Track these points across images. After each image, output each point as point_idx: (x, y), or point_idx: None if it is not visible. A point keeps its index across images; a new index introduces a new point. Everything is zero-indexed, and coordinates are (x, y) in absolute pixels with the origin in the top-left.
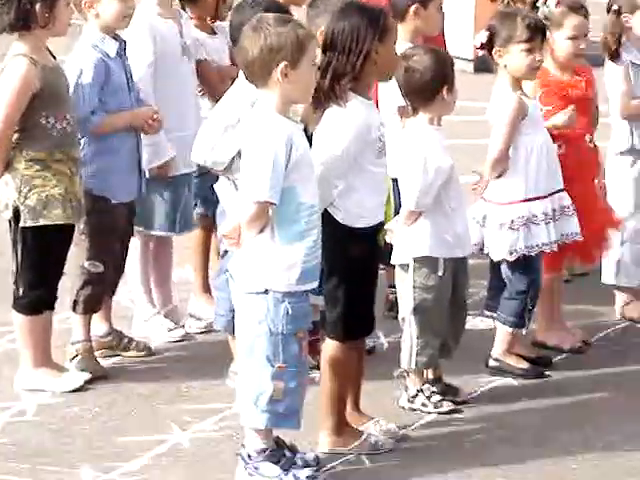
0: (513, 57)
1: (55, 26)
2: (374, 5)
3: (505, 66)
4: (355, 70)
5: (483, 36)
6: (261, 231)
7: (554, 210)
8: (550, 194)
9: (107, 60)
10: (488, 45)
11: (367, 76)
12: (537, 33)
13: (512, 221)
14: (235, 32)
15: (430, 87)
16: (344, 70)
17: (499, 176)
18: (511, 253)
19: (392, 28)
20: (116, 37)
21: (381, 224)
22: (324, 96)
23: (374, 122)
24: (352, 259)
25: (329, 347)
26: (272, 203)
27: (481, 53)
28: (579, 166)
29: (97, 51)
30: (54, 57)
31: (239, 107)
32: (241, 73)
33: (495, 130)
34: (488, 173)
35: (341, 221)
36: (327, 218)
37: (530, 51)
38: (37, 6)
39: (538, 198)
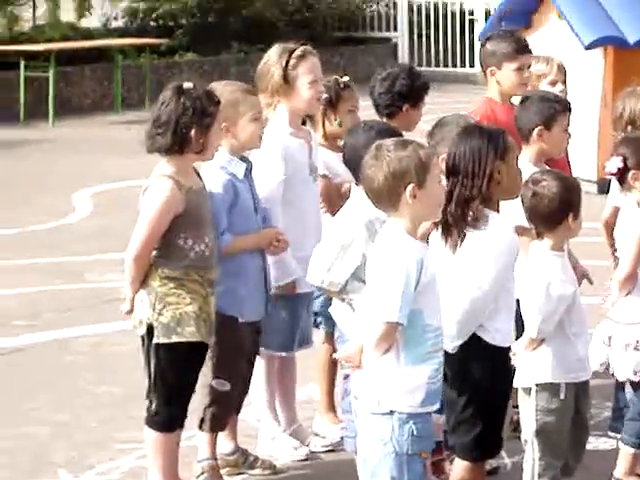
0: None
1: (206, 151)
2: (492, 126)
3: None
4: (482, 192)
5: (617, 162)
6: (386, 352)
7: None
8: None
9: (235, 181)
10: (623, 170)
11: (494, 197)
12: None
13: (638, 341)
14: (348, 154)
15: (556, 214)
16: (471, 193)
17: (626, 295)
18: (635, 373)
19: (513, 147)
20: (243, 158)
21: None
22: (455, 221)
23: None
24: (496, 380)
25: (459, 468)
26: (401, 324)
27: (611, 177)
28: None
29: (225, 172)
30: (200, 178)
31: (354, 227)
32: (354, 191)
33: (625, 249)
34: (617, 292)
35: (490, 341)
36: (473, 341)
37: None
38: (193, 132)
39: None
